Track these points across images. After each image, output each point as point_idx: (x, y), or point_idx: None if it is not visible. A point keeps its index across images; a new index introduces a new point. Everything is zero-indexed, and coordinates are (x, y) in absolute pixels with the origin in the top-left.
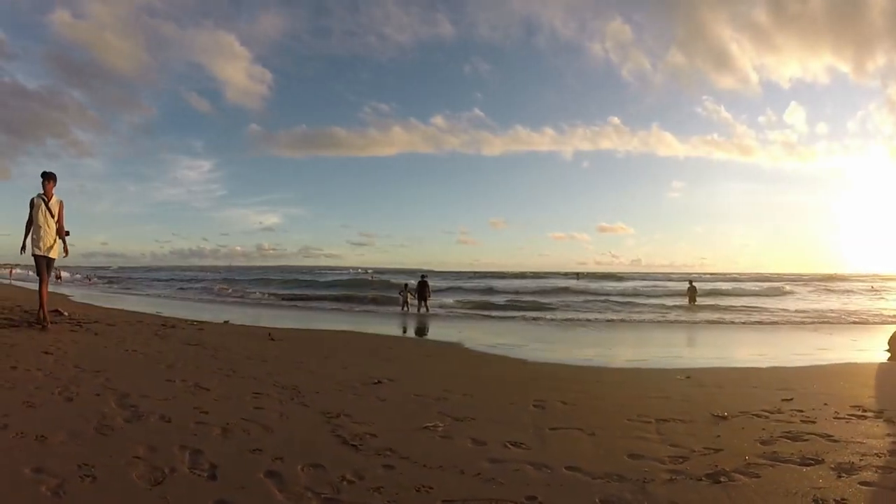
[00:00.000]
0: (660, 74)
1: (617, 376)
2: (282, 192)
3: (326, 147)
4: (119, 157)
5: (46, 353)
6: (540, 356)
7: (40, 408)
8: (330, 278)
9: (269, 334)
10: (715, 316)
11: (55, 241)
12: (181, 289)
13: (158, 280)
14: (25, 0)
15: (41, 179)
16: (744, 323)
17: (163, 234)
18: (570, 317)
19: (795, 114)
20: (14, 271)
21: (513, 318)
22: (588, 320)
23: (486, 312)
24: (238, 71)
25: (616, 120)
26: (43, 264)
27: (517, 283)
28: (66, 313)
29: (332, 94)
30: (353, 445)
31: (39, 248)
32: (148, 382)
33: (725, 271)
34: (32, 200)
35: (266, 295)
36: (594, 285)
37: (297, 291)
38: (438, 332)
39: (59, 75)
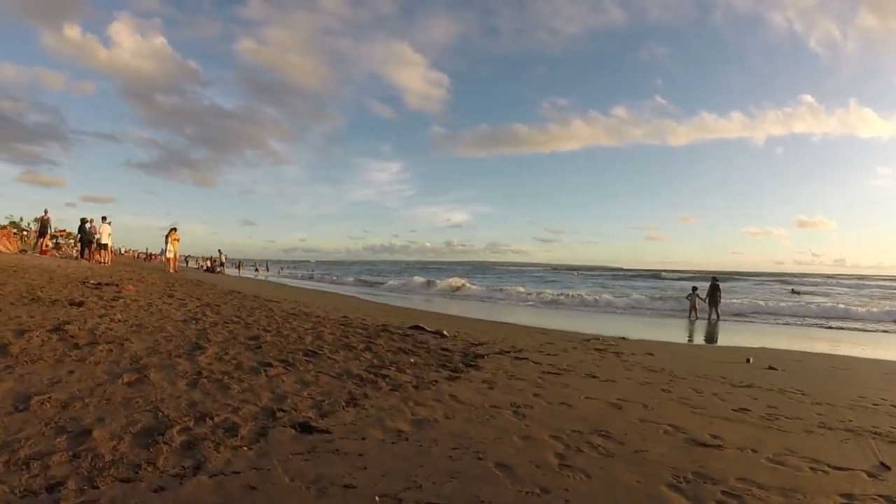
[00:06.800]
0: (851, 41)
1: None
2: (468, 189)
3: (508, 144)
4: (313, 164)
5: (518, 413)
6: None
7: None
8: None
9: (748, 359)
10: None
11: None
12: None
13: (381, 276)
14: (212, 33)
15: None
16: None
17: (355, 231)
18: None
19: None
20: (242, 268)
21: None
22: None
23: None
24: (415, 77)
25: (809, 98)
26: None
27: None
28: (435, 330)
29: (509, 92)
30: None
31: None
32: None
33: None
34: None
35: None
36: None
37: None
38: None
39: (252, 95)
